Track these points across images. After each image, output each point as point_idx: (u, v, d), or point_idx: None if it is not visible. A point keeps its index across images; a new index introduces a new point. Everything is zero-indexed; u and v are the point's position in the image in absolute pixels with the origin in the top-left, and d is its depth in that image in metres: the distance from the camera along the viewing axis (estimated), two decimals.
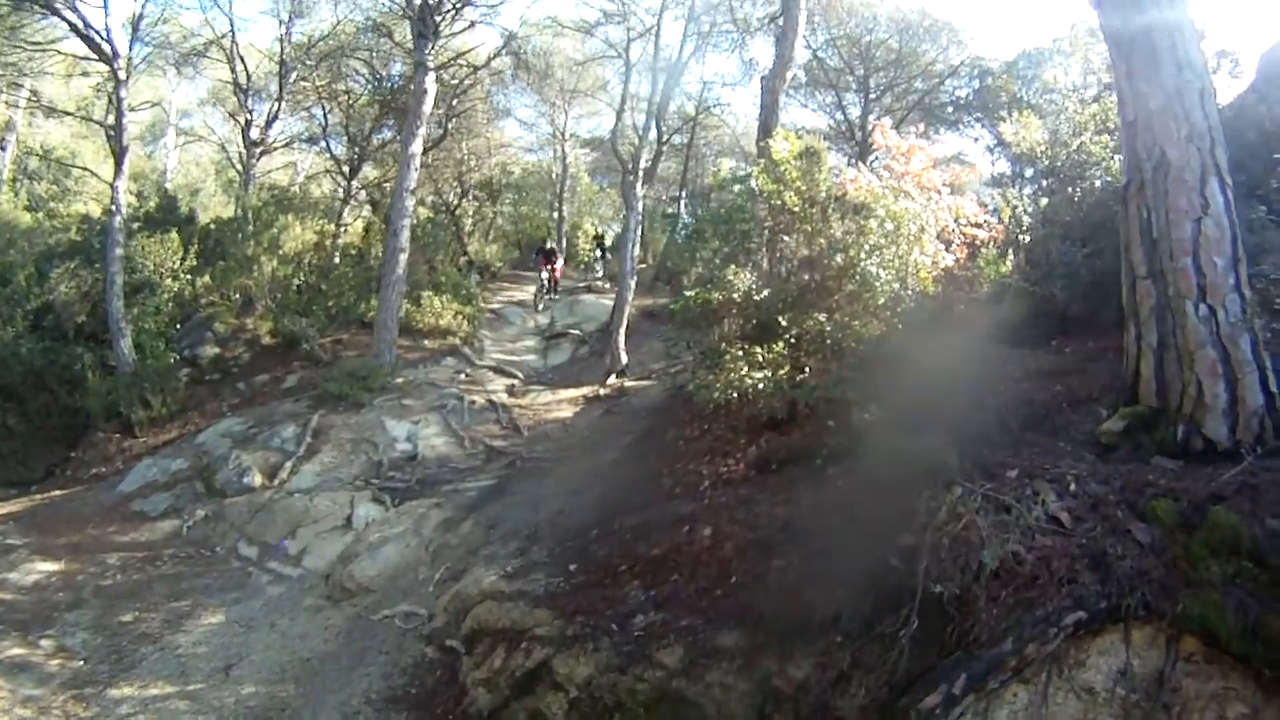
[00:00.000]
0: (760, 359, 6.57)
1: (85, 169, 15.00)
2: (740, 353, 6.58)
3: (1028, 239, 7.48)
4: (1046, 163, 7.89)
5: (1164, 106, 4.47)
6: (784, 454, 6.06)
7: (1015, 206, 7.58)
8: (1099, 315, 5.85)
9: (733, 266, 7.42)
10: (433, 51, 11.83)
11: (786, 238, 7.56)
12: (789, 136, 7.59)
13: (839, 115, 17.44)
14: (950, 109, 15.29)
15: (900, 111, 15.63)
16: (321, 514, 8.45)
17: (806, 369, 6.56)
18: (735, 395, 6.54)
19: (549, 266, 17.06)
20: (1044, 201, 7.78)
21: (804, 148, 7.29)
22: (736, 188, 7.86)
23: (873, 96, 16.60)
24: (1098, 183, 7.38)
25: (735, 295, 7.24)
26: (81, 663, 5.75)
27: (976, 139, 8.71)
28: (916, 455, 4.05)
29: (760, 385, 6.32)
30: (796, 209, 7.13)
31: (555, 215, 21.75)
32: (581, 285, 19.26)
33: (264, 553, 8.00)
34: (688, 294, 8.08)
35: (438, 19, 11.60)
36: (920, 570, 3.38)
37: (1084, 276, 6.54)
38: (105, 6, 11.55)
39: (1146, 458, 4.15)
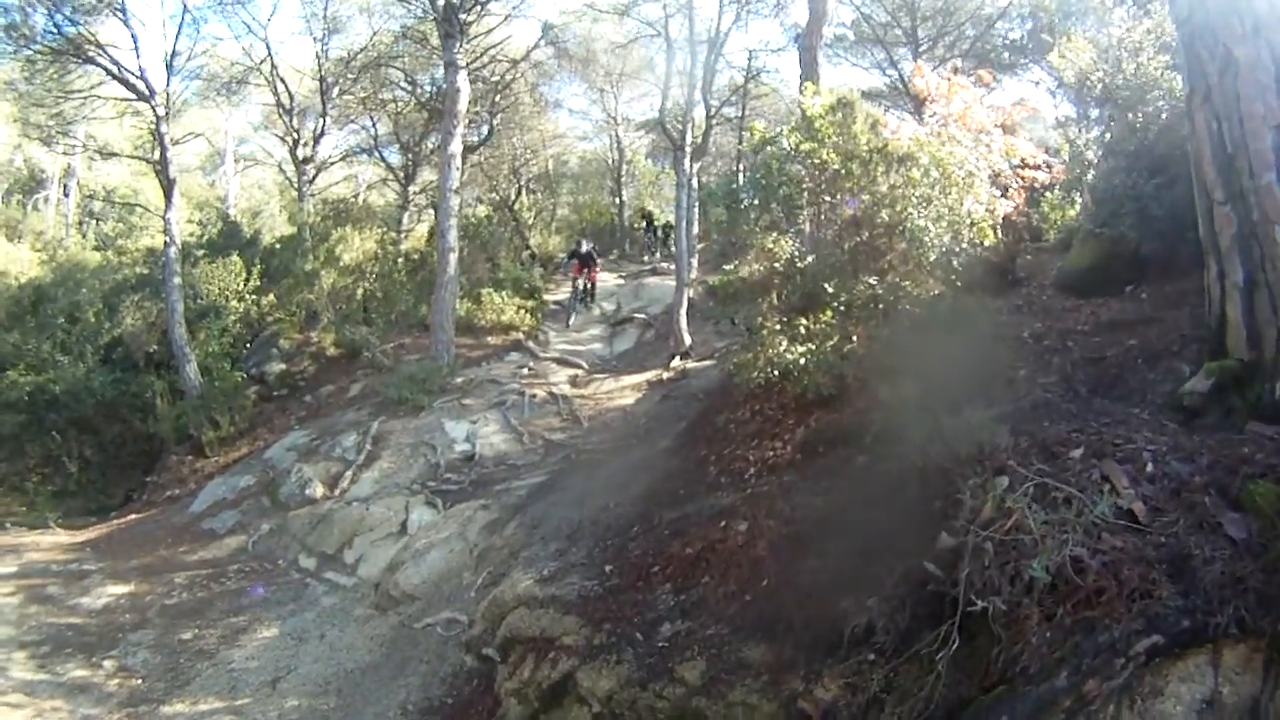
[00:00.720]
0: (804, 331, 6.07)
1: (139, 205, 15.87)
2: (778, 326, 6.09)
3: (1092, 177, 6.57)
4: (1099, 90, 6.90)
5: None
6: (831, 434, 5.53)
7: (1076, 143, 6.68)
8: (1177, 253, 5.02)
9: (774, 234, 6.93)
10: (461, 50, 11.69)
11: (828, 198, 6.97)
12: (819, 90, 6.98)
13: (891, 71, 16.37)
14: (1006, 53, 14.06)
15: (953, 60, 14.51)
16: (377, 521, 8.49)
17: (853, 338, 6.01)
18: (776, 374, 6.07)
19: (584, 272, 15.06)
20: (1100, 133, 6.85)
21: (837, 99, 6.65)
22: (769, 149, 7.29)
23: (923, 48, 15.43)
24: (1162, 104, 6.36)
25: (777, 265, 6.75)
26: (139, 681, 5.92)
27: (1037, 82, 7.80)
28: (965, 432, 3.48)
29: (802, 361, 5.83)
30: (837, 165, 6.55)
31: (616, 201, 21.50)
32: (646, 268, 18.98)
33: (322, 563, 8.12)
34: (726, 267, 7.62)
35: (463, 17, 11.44)
36: (962, 579, 2.85)
37: (1155, 211, 5.65)
38: (136, 49, 11.92)
39: (1240, 423, 3.41)
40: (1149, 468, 3.04)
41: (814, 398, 6.14)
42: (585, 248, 15.21)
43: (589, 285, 15.35)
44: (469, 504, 8.18)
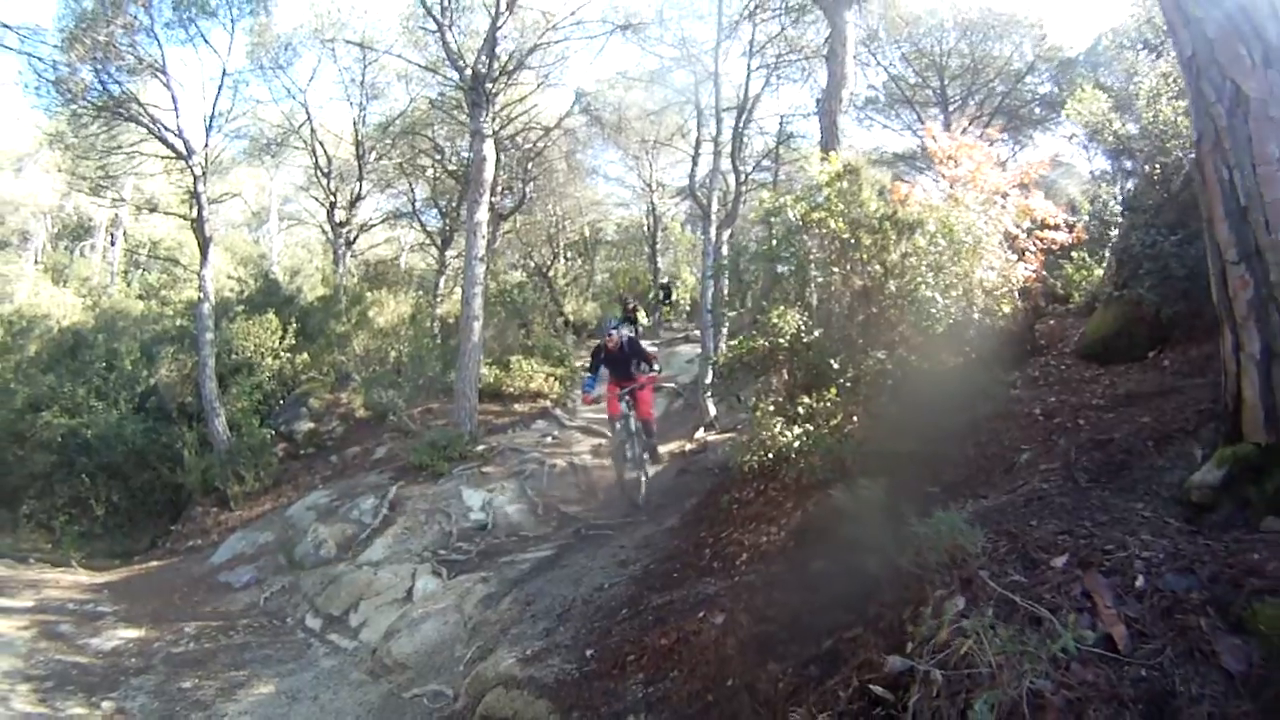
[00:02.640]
0: (803, 411, 5.80)
1: (176, 260, 16.60)
2: (772, 408, 5.83)
3: (1115, 235, 6.19)
4: (1112, 140, 6.53)
5: (1227, 28, 3.29)
6: (825, 522, 5.17)
7: (1099, 200, 6.32)
8: (1202, 314, 4.55)
9: (780, 308, 6.73)
10: (488, 119, 12.06)
11: (836, 270, 6.76)
12: (830, 158, 6.86)
13: (923, 132, 16.26)
14: (1036, 108, 13.77)
15: (983, 118, 14.28)
16: (384, 586, 8.41)
17: (855, 418, 5.70)
18: (770, 457, 5.79)
19: (626, 387, 8.70)
20: (1120, 187, 6.47)
21: (843, 166, 6.52)
22: (774, 220, 7.16)
23: (953, 107, 15.28)
24: (1181, 154, 5.95)
25: (782, 340, 6.53)
26: None
27: (1071, 137, 7.51)
28: (935, 537, 3.15)
29: (797, 444, 5.54)
30: (846, 234, 6.36)
31: (652, 268, 21.65)
32: (680, 335, 18.96)
33: (327, 625, 8.08)
34: (731, 343, 7.42)
35: (489, 86, 11.83)
36: (911, 707, 2.51)
37: (1176, 270, 5.21)
38: (175, 109, 12.72)
39: (1256, 520, 2.92)
40: (1139, 581, 2.64)
41: (810, 481, 5.84)
42: (620, 332, 8.83)
43: (642, 414, 8.86)
44: (471, 575, 8.01)
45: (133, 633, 7.82)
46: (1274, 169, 3.17)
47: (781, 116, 18.09)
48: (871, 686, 2.66)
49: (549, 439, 12.72)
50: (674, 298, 19.53)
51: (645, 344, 9.38)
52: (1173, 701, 2.19)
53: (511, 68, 12.52)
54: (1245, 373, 3.27)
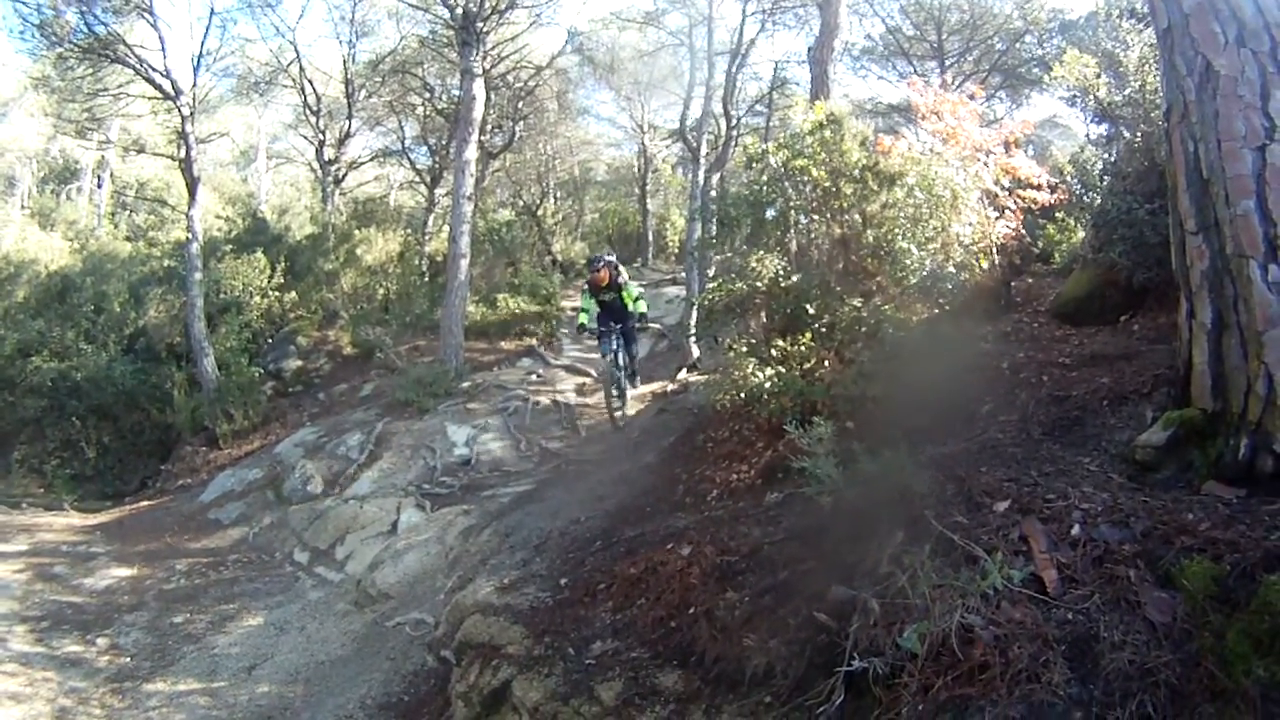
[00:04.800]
0: (777, 354, 5.92)
1: (165, 201, 16.34)
2: (746, 349, 5.95)
3: (1096, 199, 6.25)
4: (1095, 106, 6.51)
5: (1203, 4, 3.33)
6: (792, 460, 5.38)
7: (1082, 163, 6.35)
8: (1173, 283, 4.66)
9: (760, 252, 6.79)
10: (478, 58, 11.80)
11: (817, 217, 6.81)
12: (815, 106, 6.83)
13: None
14: (1035, 68, 13.56)
15: (980, 75, 14.05)
16: (369, 520, 8.67)
17: (825, 363, 5.84)
18: (743, 397, 5.93)
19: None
20: (1092, 151, 6.49)
21: (826, 115, 6.50)
22: (757, 165, 7.15)
23: (949, 62, 15.03)
24: (1163, 125, 5.97)
25: (760, 284, 6.60)
26: (128, 659, 6.22)
27: (1071, 98, 7.43)
28: (884, 476, 3.32)
29: (768, 385, 5.68)
30: (827, 184, 6.39)
31: (641, 209, 21.47)
32: (667, 277, 18.95)
33: (314, 558, 8.37)
34: (710, 285, 7.48)
35: (480, 25, 11.54)
36: (851, 633, 2.70)
37: (1150, 238, 5.29)
38: (163, 49, 12.42)
39: (1197, 483, 3.07)
40: (1074, 530, 2.79)
41: (781, 422, 6.00)
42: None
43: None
44: (453, 509, 8.26)
45: (125, 571, 8.06)
46: (1238, 145, 3.23)
47: (776, 62, 17.83)
48: (817, 614, 2.84)
49: (534, 376, 12.84)
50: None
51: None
52: (1096, 645, 2.33)
53: (503, 6, 12.21)
54: (1196, 341, 3.40)
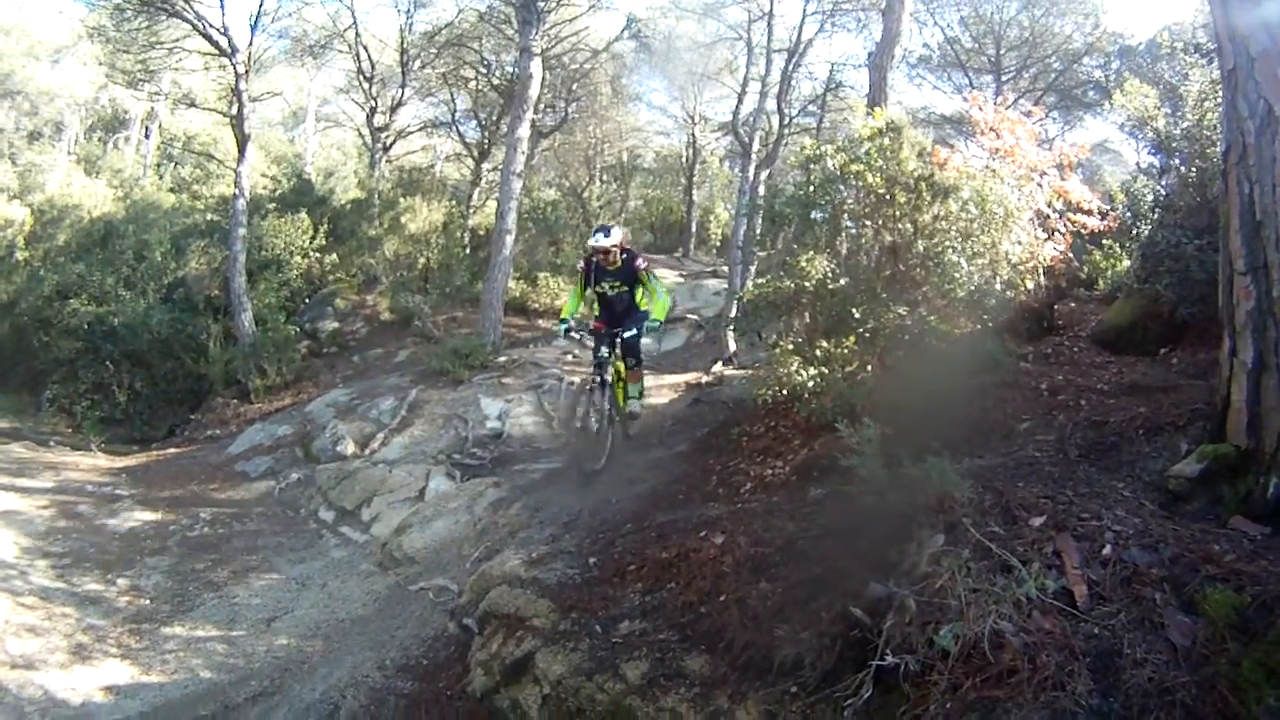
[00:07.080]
0: (820, 355, 6.03)
1: (214, 156, 16.54)
2: (791, 347, 6.07)
3: (1146, 230, 6.26)
4: (1153, 137, 6.49)
5: (1270, 49, 3.36)
6: (829, 460, 5.48)
7: (1134, 193, 6.35)
8: (1216, 319, 4.71)
9: (810, 252, 6.88)
10: (537, 37, 11.91)
11: (869, 223, 6.88)
12: (875, 112, 6.88)
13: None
14: (1090, 91, 13.42)
15: (1035, 93, 13.94)
16: (397, 484, 8.83)
17: (869, 367, 5.95)
18: (785, 394, 6.06)
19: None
20: (1145, 182, 6.48)
21: (886, 123, 6.55)
22: (814, 167, 7.22)
23: (1006, 78, 14.90)
24: (1219, 162, 5.95)
25: (807, 284, 6.70)
26: (147, 601, 6.32)
27: (1123, 125, 7.41)
28: (925, 481, 3.43)
29: (811, 384, 5.80)
30: (882, 190, 6.46)
31: (687, 199, 21.54)
32: (708, 269, 19.04)
33: (339, 518, 8.49)
34: (758, 280, 7.58)
35: (541, 4, 11.65)
36: (885, 630, 2.84)
37: (1196, 273, 5.32)
38: (221, 6, 12.64)
39: (1225, 516, 3.17)
40: (1106, 549, 2.91)
41: (820, 422, 6.11)
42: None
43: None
44: (483, 480, 8.43)
45: (149, 515, 8.18)
46: None
47: (832, 64, 17.74)
48: (852, 609, 2.99)
49: (569, 356, 12.97)
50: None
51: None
52: (1119, 661, 2.46)
53: None
54: (1236, 378, 3.50)
